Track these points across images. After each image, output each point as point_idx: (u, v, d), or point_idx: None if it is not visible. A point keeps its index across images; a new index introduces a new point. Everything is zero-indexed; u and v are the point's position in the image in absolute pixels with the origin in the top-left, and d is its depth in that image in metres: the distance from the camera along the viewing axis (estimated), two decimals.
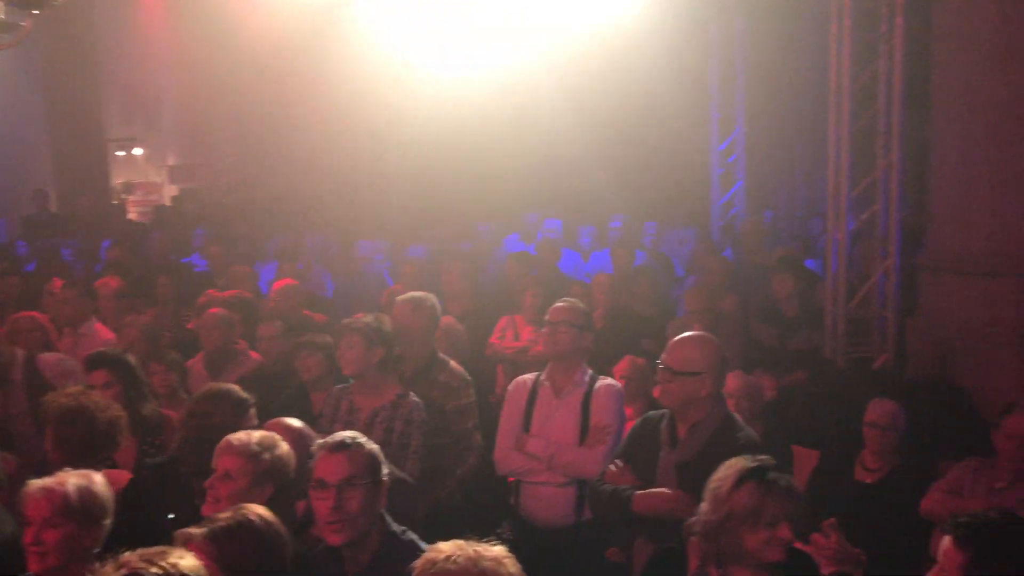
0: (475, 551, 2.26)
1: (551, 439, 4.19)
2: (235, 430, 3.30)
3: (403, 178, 10.67)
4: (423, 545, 2.85)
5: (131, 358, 4.40)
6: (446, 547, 2.28)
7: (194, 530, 2.57)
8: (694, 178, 11.00)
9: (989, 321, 5.92)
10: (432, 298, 4.96)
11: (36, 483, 2.87)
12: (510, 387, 4.48)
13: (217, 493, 3.06)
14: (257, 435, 3.19)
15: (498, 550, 2.30)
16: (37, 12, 3.54)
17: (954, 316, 6.07)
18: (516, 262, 7.58)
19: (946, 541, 2.68)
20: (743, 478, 2.82)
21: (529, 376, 4.44)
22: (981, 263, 5.97)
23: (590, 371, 4.31)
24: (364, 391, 4.45)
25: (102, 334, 6.00)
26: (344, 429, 4.24)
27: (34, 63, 13.62)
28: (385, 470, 2.98)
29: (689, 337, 3.74)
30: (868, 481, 4.83)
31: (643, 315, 6.69)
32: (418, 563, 2.29)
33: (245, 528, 2.61)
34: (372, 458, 2.94)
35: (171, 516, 3.47)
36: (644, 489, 3.59)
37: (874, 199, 6.56)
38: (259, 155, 15.43)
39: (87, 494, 2.86)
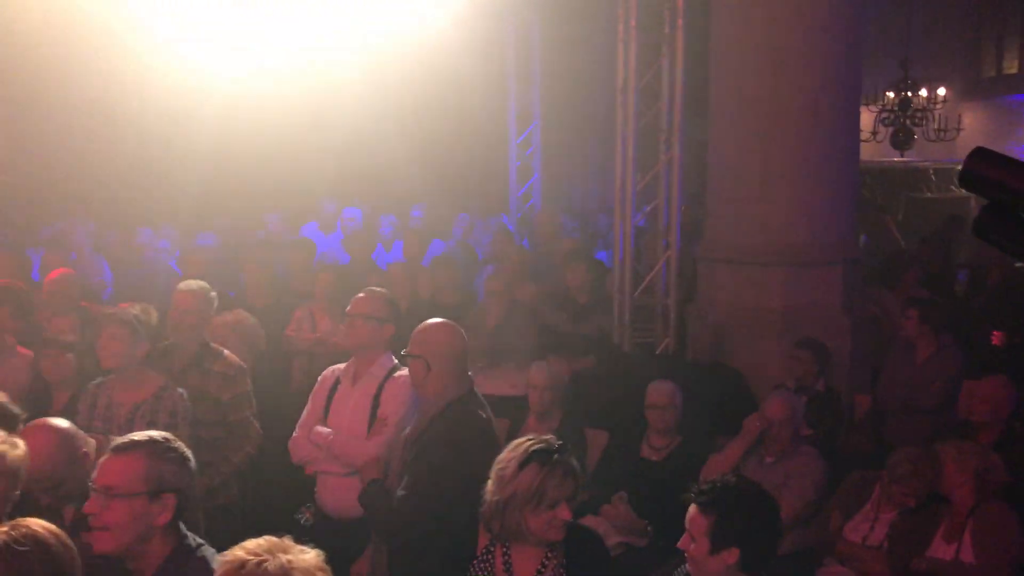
0: (288, 561, 2.08)
1: (337, 428, 4.19)
2: None
3: (193, 163, 10.16)
4: (215, 562, 2.68)
5: None
6: (254, 546, 2.10)
7: None
8: (495, 169, 11.19)
9: (758, 308, 6.40)
10: (210, 288, 4.88)
11: None
12: (320, 377, 4.46)
13: None
14: None
15: (312, 557, 2.13)
16: None
17: (728, 303, 6.51)
18: (298, 250, 7.45)
19: (692, 509, 2.87)
20: (527, 459, 2.90)
21: (339, 366, 4.42)
22: (751, 254, 6.43)
23: (394, 362, 4.31)
24: (124, 386, 4.32)
25: None
26: (103, 426, 4.09)
27: None
28: (184, 483, 2.72)
29: (424, 324, 3.83)
30: (654, 459, 5.14)
31: (445, 304, 6.76)
32: (222, 567, 2.10)
33: (32, 540, 2.35)
34: (154, 468, 2.65)
35: None
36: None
37: (657, 193, 6.92)
38: (25, 138, 14.25)
39: None
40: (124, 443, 2.69)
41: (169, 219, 9.09)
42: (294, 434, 4.33)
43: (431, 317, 3.93)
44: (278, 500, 4.86)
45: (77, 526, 3.18)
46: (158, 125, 11.17)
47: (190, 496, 2.74)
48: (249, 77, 9.56)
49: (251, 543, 2.13)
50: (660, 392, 5.15)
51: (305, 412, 4.36)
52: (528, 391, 5.30)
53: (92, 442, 3.34)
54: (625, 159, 6.84)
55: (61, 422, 3.26)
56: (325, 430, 4.19)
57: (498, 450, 3.12)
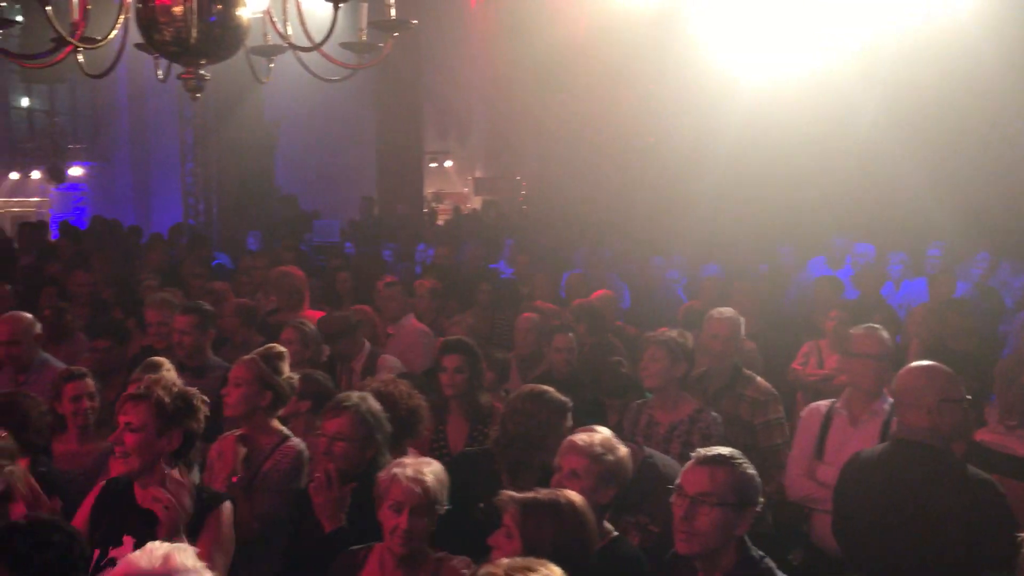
0: None
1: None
2: (555, 431, 3.50)
3: (704, 194, 10.57)
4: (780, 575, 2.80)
5: (479, 351, 4.67)
6: None
7: (512, 495, 2.72)
8: None
9: None
10: (739, 316, 5.03)
11: (398, 470, 3.10)
12: (804, 413, 4.42)
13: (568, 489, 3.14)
14: (599, 437, 3.28)
15: None
16: (397, 34, 3.82)
17: None
18: (825, 286, 7.28)
19: None
20: None
21: (823, 403, 4.36)
22: None
23: (889, 399, 4.16)
24: (663, 406, 4.55)
25: (417, 326, 6.49)
26: (643, 442, 4.38)
27: (367, 83, 15.05)
28: (760, 499, 2.87)
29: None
30: None
31: (955, 349, 6.19)
32: None
33: (551, 508, 2.68)
34: (740, 481, 2.80)
35: (480, 505, 3.71)
36: None
37: None
38: (558, 169, 15.97)
39: (436, 483, 3.09)
40: (713, 455, 2.84)
41: (680, 248, 9.52)
42: (789, 472, 4.30)
43: (945, 361, 3.69)
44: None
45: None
46: (672, 160, 11.85)
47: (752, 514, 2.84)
48: (763, 113, 9.69)
49: None
50: None
51: (796, 451, 4.32)
52: None
53: (625, 450, 3.60)
54: None
55: (604, 430, 3.57)
56: (834, 470, 4.01)
57: None
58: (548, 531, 2.68)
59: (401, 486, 3.03)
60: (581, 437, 3.26)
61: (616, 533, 3.22)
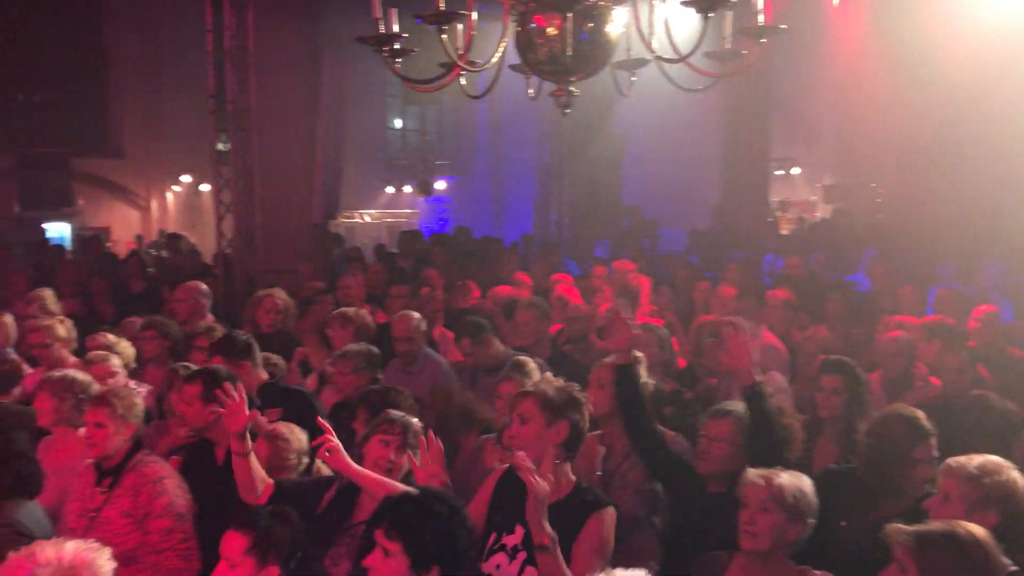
0: None
1: None
2: (912, 455, 3.43)
3: None
4: None
5: (860, 371, 4.46)
6: None
7: (903, 528, 2.56)
8: None
9: None
10: None
11: (754, 472, 3.13)
12: None
13: (937, 513, 3.01)
14: (978, 459, 3.08)
15: None
16: (764, 40, 3.73)
17: None
18: None
19: None
20: None
21: None
22: None
23: None
24: None
25: (770, 341, 6.28)
26: None
27: (713, 90, 14.91)
28: None
29: None
30: None
31: None
32: None
33: (950, 541, 2.49)
34: None
35: (843, 524, 3.55)
36: None
37: None
38: (921, 176, 14.74)
39: (796, 491, 3.03)
40: None
41: None
42: None
43: None
44: None
45: None
46: None
47: None
48: None
49: None
50: None
51: None
52: None
53: (1016, 475, 3.26)
54: None
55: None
56: None
57: None
58: (947, 566, 2.47)
59: (753, 485, 3.04)
60: (957, 459, 3.08)
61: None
